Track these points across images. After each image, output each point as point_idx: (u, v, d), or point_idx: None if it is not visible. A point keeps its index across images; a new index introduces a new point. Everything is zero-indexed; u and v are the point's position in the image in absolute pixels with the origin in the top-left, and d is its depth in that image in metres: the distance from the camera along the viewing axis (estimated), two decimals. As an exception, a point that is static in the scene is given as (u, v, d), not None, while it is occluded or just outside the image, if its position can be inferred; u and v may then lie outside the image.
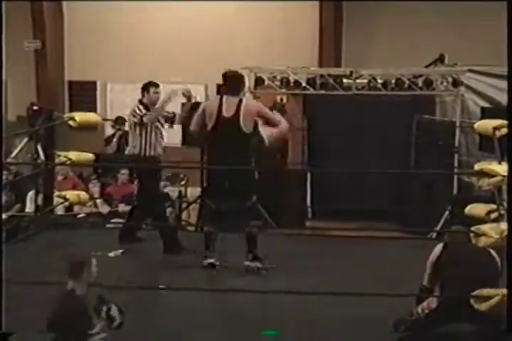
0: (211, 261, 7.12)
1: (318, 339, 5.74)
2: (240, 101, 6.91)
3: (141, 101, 8.05)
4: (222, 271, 7.16)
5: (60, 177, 10.66)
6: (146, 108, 8.00)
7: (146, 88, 8.09)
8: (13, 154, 10.55)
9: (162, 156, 8.11)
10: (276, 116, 7.17)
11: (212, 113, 6.92)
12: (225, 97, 6.94)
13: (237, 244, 7.23)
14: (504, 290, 5.18)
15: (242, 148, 6.91)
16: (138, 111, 7.94)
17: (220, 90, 7.32)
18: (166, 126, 8.28)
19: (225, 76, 7.15)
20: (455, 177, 10.62)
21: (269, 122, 7.03)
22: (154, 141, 7.97)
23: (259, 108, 7.03)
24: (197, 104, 8.01)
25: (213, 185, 7.09)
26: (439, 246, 5.88)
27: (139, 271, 7.38)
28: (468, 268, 5.60)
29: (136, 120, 7.94)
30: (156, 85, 8.10)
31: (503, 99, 9.42)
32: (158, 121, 8.05)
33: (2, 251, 5.19)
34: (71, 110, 12.03)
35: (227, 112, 6.86)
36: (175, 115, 8.24)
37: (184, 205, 11.05)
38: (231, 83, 7.01)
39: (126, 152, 8.37)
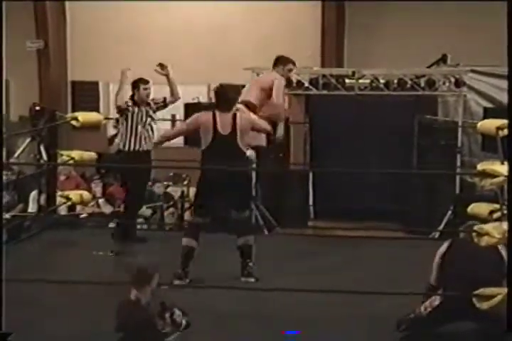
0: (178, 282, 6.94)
1: (320, 338, 5.74)
2: (234, 117, 6.85)
3: (131, 98, 8.07)
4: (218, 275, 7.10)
5: (62, 177, 10.68)
6: (135, 104, 8.02)
7: (135, 85, 8.08)
8: (16, 154, 10.58)
9: (152, 152, 8.08)
10: (266, 125, 7.07)
11: (208, 129, 6.82)
12: (218, 114, 6.86)
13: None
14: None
15: (239, 165, 6.85)
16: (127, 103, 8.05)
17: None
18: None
19: (216, 92, 7.09)
20: (457, 177, 10.62)
21: (261, 131, 6.99)
22: (139, 135, 7.97)
23: (251, 122, 6.97)
24: (198, 105, 7.99)
25: (207, 200, 6.91)
26: (445, 245, 5.88)
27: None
28: (471, 267, 5.60)
29: (118, 113, 8.01)
30: (146, 82, 8.10)
31: (505, 99, 9.42)
32: (148, 115, 8.05)
33: (2, 251, 5.19)
34: (74, 110, 12.02)
35: (224, 130, 6.78)
36: (165, 100, 8.23)
37: (186, 205, 11.07)
38: (222, 100, 6.92)
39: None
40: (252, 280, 6.94)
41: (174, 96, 8.24)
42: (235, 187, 6.78)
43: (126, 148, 8.01)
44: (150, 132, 8.06)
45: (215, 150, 6.77)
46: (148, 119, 8.07)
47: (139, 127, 7.99)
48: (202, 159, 6.95)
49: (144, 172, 8.17)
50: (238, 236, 6.96)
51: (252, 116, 7.22)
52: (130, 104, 8.02)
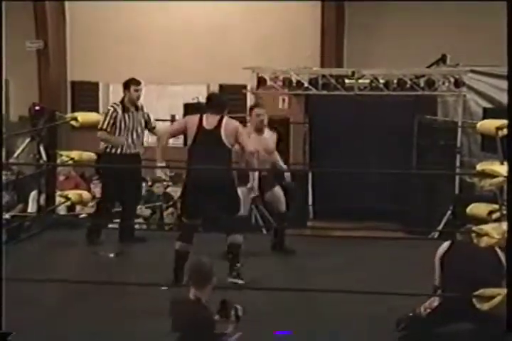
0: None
1: (318, 338, 5.74)
2: (222, 117, 6.79)
3: (121, 101, 8.04)
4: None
5: (62, 177, 10.68)
6: (123, 109, 7.98)
7: (126, 85, 8.03)
8: (16, 154, 10.58)
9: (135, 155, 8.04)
10: (247, 142, 6.89)
11: (193, 126, 6.78)
12: (206, 115, 6.80)
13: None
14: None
15: (223, 160, 6.75)
16: (111, 113, 7.99)
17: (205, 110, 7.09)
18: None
19: (208, 98, 7.05)
20: (457, 177, 10.63)
21: (238, 142, 6.91)
22: (126, 139, 7.95)
23: (238, 127, 6.86)
24: (199, 104, 7.92)
25: (193, 201, 6.78)
26: (444, 246, 5.87)
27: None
28: (470, 269, 5.58)
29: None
30: (138, 83, 8.03)
31: (504, 99, 9.43)
32: (137, 119, 8.02)
33: (2, 251, 5.19)
34: (73, 110, 12.04)
35: (209, 125, 6.74)
36: (152, 129, 8.21)
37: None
38: (213, 104, 6.86)
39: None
40: (241, 281, 6.80)
41: (154, 132, 8.21)
42: (221, 186, 6.71)
43: (113, 151, 7.99)
44: (137, 135, 8.03)
45: (199, 146, 6.70)
46: (136, 124, 8.01)
47: (126, 132, 7.94)
48: (188, 157, 6.85)
49: (132, 175, 8.07)
50: (227, 235, 6.86)
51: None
52: (119, 110, 7.97)
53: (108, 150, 8.04)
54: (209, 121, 6.75)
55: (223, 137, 6.72)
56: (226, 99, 7.05)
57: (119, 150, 7.99)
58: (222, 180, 6.72)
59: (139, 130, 8.09)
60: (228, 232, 6.84)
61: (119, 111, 7.98)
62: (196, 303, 4.66)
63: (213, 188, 6.65)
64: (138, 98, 8.04)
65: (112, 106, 8.08)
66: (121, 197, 8.33)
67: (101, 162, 8.35)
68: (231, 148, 6.79)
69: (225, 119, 6.78)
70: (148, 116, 8.20)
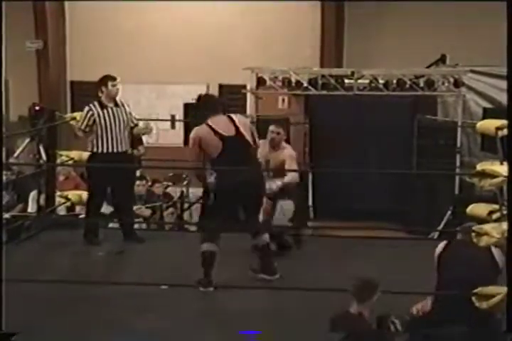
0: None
1: (317, 337, 5.74)
2: (230, 117, 6.63)
3: (98, 101, 7.96)
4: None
5: (61, 178, 10.67)
6: (101, 106, 7.93)
7: (103, 82, 7.93)
8: (15, 154, 10.57)
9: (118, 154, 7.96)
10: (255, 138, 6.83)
11: (209, 138, 6.53)
12: (212, 120, 6.58)
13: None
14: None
15: (257, 163, 6.74)
16: (86, 112, 7.95)
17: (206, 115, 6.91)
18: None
19: (198, 99, 6.91)
20: (457, 177, 10.63)
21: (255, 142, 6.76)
22: (111, 137, 7.89)
23: (248, 123, 6.84)
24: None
25: (222, 204, 6.60)
26: (440, 246, 5.85)
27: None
28: (463, 269, 5.53)
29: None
30: (114, 78, 7.95)
31: (504, 99, 9.42)
32: (119, 116, 7.94)
33: (2, 251, 5.19)
34: (73, 110, 12.03)
35: (227, 131, 6.55)
36: (137, 125, 8.18)
37: (186, 205, 11.07)
38: (208, 105, 6.74)
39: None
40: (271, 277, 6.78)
41: (133, 131, 8.18)
42: (252, 190, 6.58)
43: (100, 150, 7.94)
44: (122, 132, 7.98)
45: (229, 154, 6.50)
46: (117, 120, 7.94)
47: (109, 129, 7.91)
48: (216, 165, 6.56)
49: (120, 174, 8.03)
50: (255, 236, 6.78)
51: None
52: (94, 108, 7.92)
53: (94, 150, 7.99)
54: (221, 126, 6.56)
55: (248, 138, 6.61)
56: (216, 98, 7.04)
57: (105, 150, 7.94)
58: (258, 184, 6.65)
59: (123, 126, 8.00)
60: (256, 234, 6.73)
61: (96, 109, 7.90)
62: (358, 318, 4.71)
63: (250, 192, 6.56)
64: (116, 93, 7.95)
65: (87, 106, 8.00)
66: (112, 199, 8.36)
67: (88, 163, 8.31)
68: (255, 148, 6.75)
69: (237, 119, 6.63)
70: (130, 113, 8.10)
